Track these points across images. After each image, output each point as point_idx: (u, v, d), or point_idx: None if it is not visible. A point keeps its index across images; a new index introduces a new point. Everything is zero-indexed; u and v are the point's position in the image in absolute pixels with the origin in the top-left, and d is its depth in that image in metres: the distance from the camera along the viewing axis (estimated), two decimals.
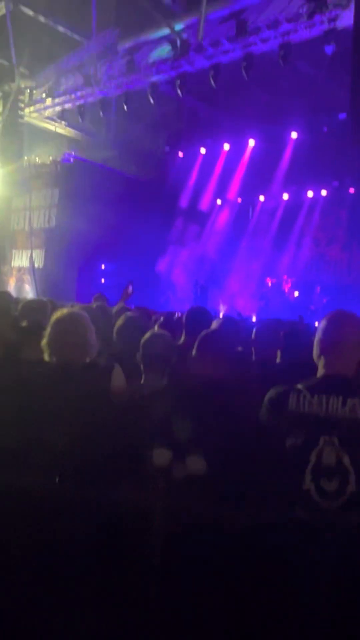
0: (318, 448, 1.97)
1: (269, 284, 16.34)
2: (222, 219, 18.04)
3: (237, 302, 16.26)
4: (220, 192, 17.68)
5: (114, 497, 2.10)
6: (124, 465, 2.24)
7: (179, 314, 5.32)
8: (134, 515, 2.08)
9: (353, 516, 1.87)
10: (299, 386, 2.15)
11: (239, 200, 17.87)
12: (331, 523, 1.84)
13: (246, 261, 17.21)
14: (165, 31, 12.20)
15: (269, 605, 1.62)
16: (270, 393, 2.27)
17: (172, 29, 11.92)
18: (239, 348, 3.60)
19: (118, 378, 2.59)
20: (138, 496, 2.11)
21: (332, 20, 10.14)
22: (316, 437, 2.00)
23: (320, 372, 2.20)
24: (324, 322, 2.30)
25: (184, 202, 17.99)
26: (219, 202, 17.97)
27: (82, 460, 2.24)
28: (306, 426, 2.03)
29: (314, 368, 2.27)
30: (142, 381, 2.74)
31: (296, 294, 16.19)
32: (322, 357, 2.21)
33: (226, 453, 2.07)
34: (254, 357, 3.72)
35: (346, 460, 1.92)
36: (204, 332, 2.39)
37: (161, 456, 2.19)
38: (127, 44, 13.22)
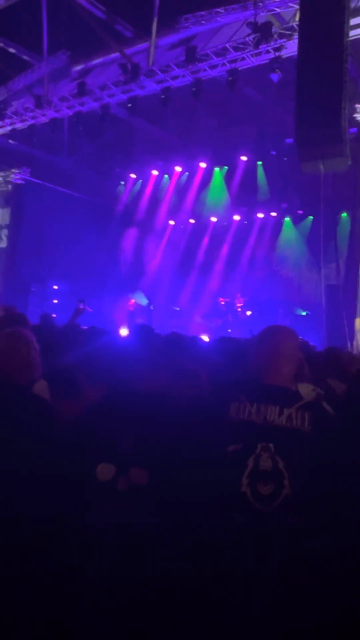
0: (255, 454, 2.04)
1: (222, 303, 16.54)
2: (175, 240, 18.25)
3: (192, 321, 16.37)
4: (173, 213, 17.93)
5: (58, 515, 2.07)
6: (68, 483, 2.21)
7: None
8: (78, 531, 2.06)
9: (288, 518, 1.94)
10: (240, 396, 2.22)
11: (192, 221, 18.14)
12: (267, 525, 1.89)
13: (200, 281, 17.42)
14: (116, 55, 12.42)
15: (211, 610, 1.65)
16: (214, 403, 2.35)
17: (122, 53, 12.13)
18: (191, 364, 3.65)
19: (43, 392, 2.54)
20: (83, 512, 2.10)
21: (277, 49, 10.59)
22: (254, 443, 2.06)
23: (259, 382, 2.28)
24: (261, 336, 2.39)
25: (136, 223, 18.13)
26: (171, 223, 18.17)
27: (24, 481, 2.19)
28: (245, 433, 2.10)
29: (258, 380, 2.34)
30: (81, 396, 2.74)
31: (248, 313, 16.44)
32: (261, 369, 2.29)
33: (169, 462, 2.10)
34: (204, 372, 3.79)
35: (281, 465, 1.99)
36: (147, 347, 2.43)
37: (105, 470, 2.19)
38: (78, 66, 13.37)
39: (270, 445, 2.04)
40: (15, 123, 14.52)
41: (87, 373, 2.92)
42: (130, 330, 4.67)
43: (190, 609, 1.64)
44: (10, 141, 15.63)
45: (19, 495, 2.14)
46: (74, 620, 1.84)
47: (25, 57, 13.69)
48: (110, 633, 1.77)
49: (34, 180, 16.48)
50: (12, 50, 13.63)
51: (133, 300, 16.50)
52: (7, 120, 14.52)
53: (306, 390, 2.25)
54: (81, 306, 5.67)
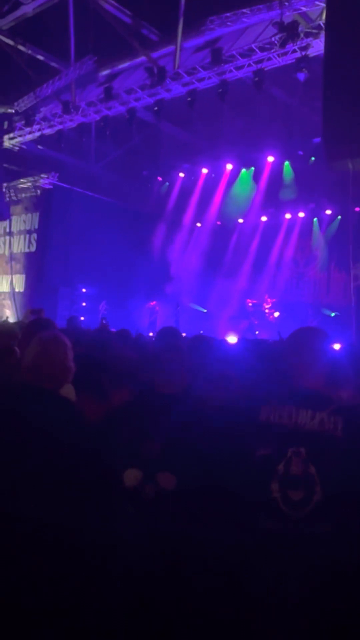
0: (286, 459, 2.01)
1: (250, 305, 16.46)
2: (203, 242, 18.23)
3: (218, 323, 16.32)
4: (200, 215, 17.92)
5: (83, 523, 2.03)
6: (94, 488, 2.19)
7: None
8: (104, 541, 2.03)
9: (318, 525, 1.91)
10: (271, 399, 2.20)
11: (218, 223, 18.10)
12: (297, 532, 1.87)
13: (226, 283, 17.37)
14: (142, 59, 12.47)
15: (240, 615, 1.63)
16: (244, 405, 2.33)
17: (149, 57, 12.18)
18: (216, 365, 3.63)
19: (70, 395, 2.54)
20: (109, 519, 2.07)
21: (304, 48, 10.47)
22: (285, 448, 2.04)
23: (291, 385, 2.25)
24: (292, 338, 2.36)
25: (163, 225, 18.18)
26: (198, 224, 18.17)
27: (49, 486, 2.16)
28: (275, 437, 2.07)
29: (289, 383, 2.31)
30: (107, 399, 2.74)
31: (276, 314, 16.31)
32: (292, 372, 2.26)
33: (197, 467, 2.08)
34: (232, 375, 3.77)
35: (312, 470, 1.96)
36: (171, 348, 2.42)
37: (132, 476, 2.18)
38: (105, 71, 13.46)
39: (302, 450, 2.01)
40: (43, 129, 14.72)
41: (114, 376, 2.93)
42: (155, 333, 4.67)
43: (220, 615, 1.63)
44: (39, 147, 15.86)
45: (45, 500, 2.13)
46: (95, 629, 1.83)
47: (53, 64, 13.85)
48: None
49: (62, 184, 16.68)
50: (40, 57, 13.82)
51: (154, 302, 16.62)
52: (36, 126, 14.73)
53: (347, 395, 2.21)
54: (104, 322, 5.66)
